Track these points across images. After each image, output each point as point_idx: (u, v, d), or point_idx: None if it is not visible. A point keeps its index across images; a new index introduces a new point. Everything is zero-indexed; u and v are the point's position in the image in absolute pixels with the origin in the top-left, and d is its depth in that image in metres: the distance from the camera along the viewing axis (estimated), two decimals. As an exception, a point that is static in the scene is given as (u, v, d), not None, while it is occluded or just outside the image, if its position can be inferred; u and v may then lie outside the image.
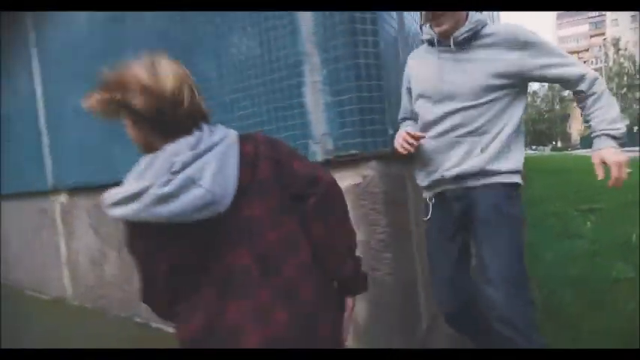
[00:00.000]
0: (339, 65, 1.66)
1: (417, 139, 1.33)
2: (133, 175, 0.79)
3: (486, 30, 1.31)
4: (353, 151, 1.66)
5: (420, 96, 1.41)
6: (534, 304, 1.36)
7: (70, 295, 3.46)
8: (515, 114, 1.33)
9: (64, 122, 3.20)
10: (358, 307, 1.78)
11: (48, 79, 3.32)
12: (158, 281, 0.84)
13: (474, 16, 1.30)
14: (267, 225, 0.85)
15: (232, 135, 0.86)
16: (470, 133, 1.31)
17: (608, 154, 1.22)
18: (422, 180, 1.46)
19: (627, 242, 3.07)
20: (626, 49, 46.36)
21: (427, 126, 1.39)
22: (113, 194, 0.77)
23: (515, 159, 1.33)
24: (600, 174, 1.25)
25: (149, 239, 0.82)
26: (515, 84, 1.32)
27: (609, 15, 57.37)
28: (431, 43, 1.38)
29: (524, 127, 1.45)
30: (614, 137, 1.24)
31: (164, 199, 0.74)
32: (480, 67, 1.29)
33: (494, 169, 1.30)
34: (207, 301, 0.82)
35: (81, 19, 2.84)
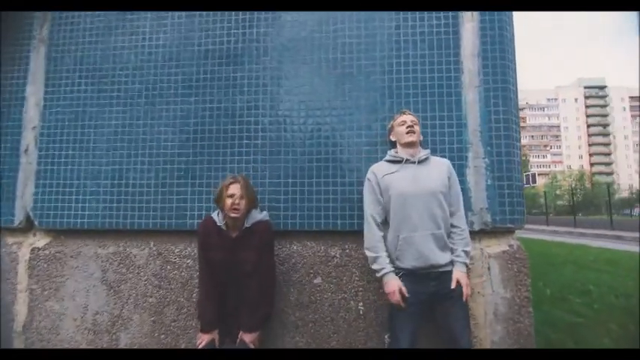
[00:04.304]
0: (501, 157, 2.17)
1: (405, 296, 1.81)
2: None
3: (431, 156, 1.98)
4: (509, 225, 2.13)
5: (400, 194, 1.88)
6: None
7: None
8: None
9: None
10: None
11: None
12: None
13: (423, 150, 1.99)
14: None
15: None
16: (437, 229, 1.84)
17: (461, 277, 1.85)
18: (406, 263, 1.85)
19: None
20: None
21: (406, 215, 1.86)
22: None
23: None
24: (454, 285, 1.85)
25: None
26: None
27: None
28: (393, 162, 1.96)
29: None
30: (466, 264, 1.89)
31: None
32: (435, 174, 1.91)
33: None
34: None
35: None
